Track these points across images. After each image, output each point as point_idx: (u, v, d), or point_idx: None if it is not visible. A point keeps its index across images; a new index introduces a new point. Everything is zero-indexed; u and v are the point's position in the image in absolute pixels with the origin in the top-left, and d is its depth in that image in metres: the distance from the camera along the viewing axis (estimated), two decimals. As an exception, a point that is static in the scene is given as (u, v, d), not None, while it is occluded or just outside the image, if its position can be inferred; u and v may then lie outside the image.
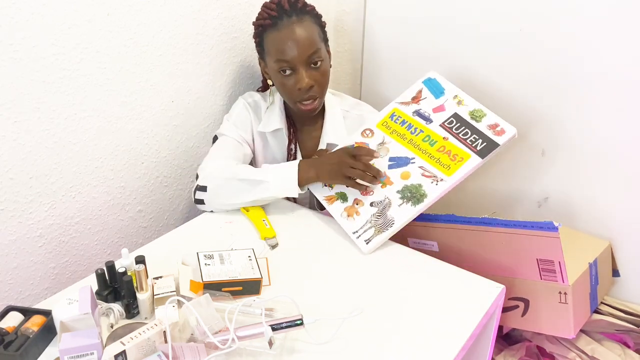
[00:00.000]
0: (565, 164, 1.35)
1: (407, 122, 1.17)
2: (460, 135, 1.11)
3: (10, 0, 0.91)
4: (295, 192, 1.12)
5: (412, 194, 1.07)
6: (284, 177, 1.12)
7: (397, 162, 1.12)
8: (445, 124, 1.13)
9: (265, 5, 1.20)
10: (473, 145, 1.09)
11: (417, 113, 1.17)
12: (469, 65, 1.43)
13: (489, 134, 1.09)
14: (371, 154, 1.10)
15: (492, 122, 1.11)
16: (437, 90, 1.19)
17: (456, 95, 1.17)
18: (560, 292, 1.08)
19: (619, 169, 1.28)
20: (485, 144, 1.08)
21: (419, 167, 1.10)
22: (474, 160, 1.07)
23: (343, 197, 1.12)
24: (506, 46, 1.34)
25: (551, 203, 1.42)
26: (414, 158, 1.11)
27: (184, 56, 1.23)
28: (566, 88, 1.29)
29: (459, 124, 1.12)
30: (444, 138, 1.12)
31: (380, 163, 1.13)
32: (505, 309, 1.14)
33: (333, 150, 1.17)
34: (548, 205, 1.43)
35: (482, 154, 1.07)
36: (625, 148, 1.25)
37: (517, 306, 1.14)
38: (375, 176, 1.09)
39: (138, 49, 1.13)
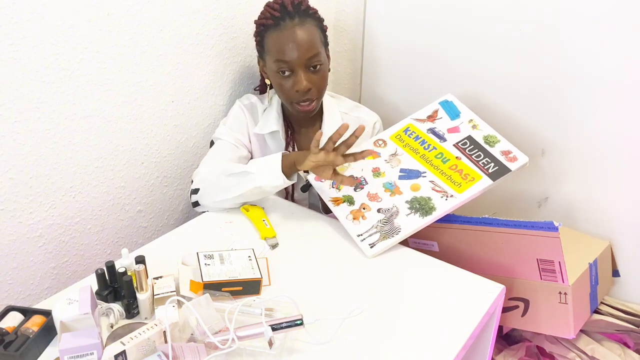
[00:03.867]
0: (565, 164, 1.35)
1: (421, 137, 1.18)
2: (472, 156, 1.13)
3: (10, 0, 0.91)
4: (280, 179, 1.08)
5: (420, 206, 1.07)
6: (268, 166, 1.10)
7: (408, 174, 1.13)
8: (459, 144, 1.15)
9: (268, 5, 1.20)
10: (485, 167, 1.10)
11: (432, 131, 1.19)
12: (468, 65, 1.43)
13: (502, 159, 1.11)
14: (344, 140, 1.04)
15: (505, 148, 1.13)
16: (453, 112, 1.21)
17: (471, 120, 1.19)
18: (560, 293, 1.08)
19: (619, 169, 1.28)
20: (497, 167, 1.10)
21: (430, 181, 1.11)
22: (485, 182, 1.08)
23: (350, 200, 1.12)
24: (506, 46, 1.34)
25: (551, 203, 1.42)
26: (425, 172, 1.12)
27: (184, 56, 1.23)
28: (566, 88, 1.29)
29: (472, 146, 1.14)
30: (456, 157, 1.13)
31: (391, 173, 1.14)
32: (505, 309, 1.14)
33: None
34: (548, 205, 1.43)
35: (493, 176, 1.08)
36: (625, 148, 1.25)
37: (517, 306, 1.14)
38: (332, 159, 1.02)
39: (138, 49, 1.13)
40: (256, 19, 1.22)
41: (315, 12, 1.20)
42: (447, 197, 1.07)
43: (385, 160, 1.17)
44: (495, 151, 1.12)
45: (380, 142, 1.21)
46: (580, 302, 1.15)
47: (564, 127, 1.32)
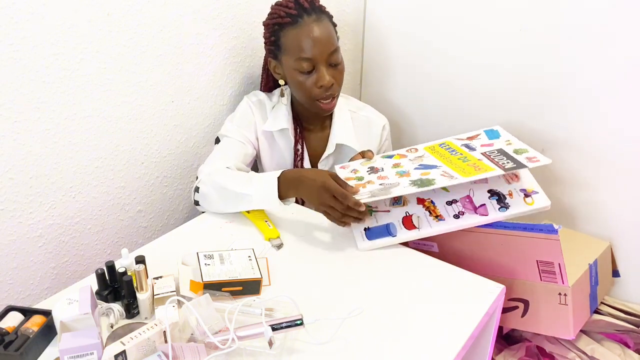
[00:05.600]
0: (565, 164, 1.35)
1: (452, 148, 1.18)
2: (495, 159, 1.09)
3: (10, 0, 0.91)
4: (276, 205, 1.08)
5: (422, 182, 1.06)
6: (264, 190, 1.08)
7: (424, 167, 1.13)
8: (487, 152, 1.13)
9: (279, 4, 1.19)
10: (501, 164, 1.06)
11: (466, 145, 1.18)
12: (468, 64, 1.43)
13: (523, 161, 1.06)
14: (351, 194, 1.03)
15: (531, 155, 1.08)
16: (493, 135, 1.20)
17: (508, 140, 1.17)
18: (560, 294, 1.08)
19: (619, 169, 1.28)
20: (513, 165, 1.05)
21: (442, 170, 1.09)
22: (495, 172, 1.03)
23: (360, 178, 1.14)
24: (506, 46, 1.35)
25: (551, 203, 1.42)
26: (441, 166, 1.11)
27: (184, 56, 1.23)
28: (566, 88, 1.29)
29: (499, 154, 1.11)
30: (478, 159, 1.10)
31: (409, 166, 1.13)
32: (505, 310, 1.14)
33: (318, 171, 1.08)
34: (548, 206, 1.43)
35: (506, 169, 1.04)
36: (625, 147, 1.25)
37: (516, 307, 1.14)
38: (359, 215, 1.04)
39: (138, 49, 1.13)
40: (265, 20, 1.21)
41: (326, 8, 1.21)
42: (450, 178, 1.05)
43: (410, 160, 1.17)
44: (520, 157, 1.08)
45: (413, 149, 1.21)
46: (580, 303, 1.15)
47: (564, 127, 1.32)
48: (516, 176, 1.10)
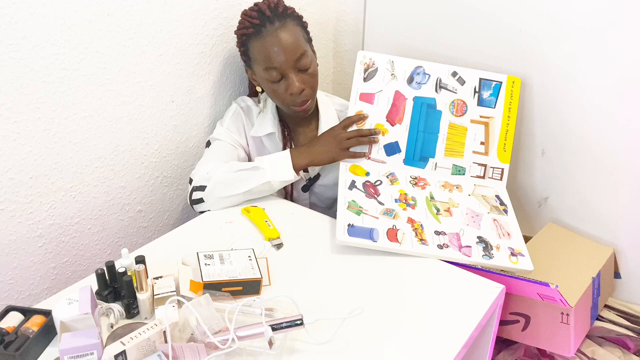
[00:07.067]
0: (565, 164, 1.35)
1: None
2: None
3: (10, 0, 0.91)
4: (290, 174, 1.14)
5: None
6: (277, 162, 1.15)
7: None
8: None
9: (245, 14, 1.19)
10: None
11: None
12: (468, 65, 1.43)
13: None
14: (360, 118, 1.21)
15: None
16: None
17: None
18: (562, 313, 1.07)
19: (618, 167, 1.28)
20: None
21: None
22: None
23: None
24: (506, 46, 1.34)
25: (551, 203, 1.42)
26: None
27: (184, 56, 1.23)
28: (567, 88, 1.29)
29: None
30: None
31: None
32: (505, 322, 1.13)
33: (321, 134, 1.22)
34: (548, 205, 1.43)
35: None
36: (625, 146, 1.25)
37: (517, 321, 1.13)
38: (372, 133, 1.21)
39: (138, 49, 1.13)
40: (235, 29, 1.22)
41: (293, 10, 1.20)
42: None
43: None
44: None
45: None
46: (581, 320, 1.13)
47: (564, 127, 1.32)
48: (509, 234, 1.12)
